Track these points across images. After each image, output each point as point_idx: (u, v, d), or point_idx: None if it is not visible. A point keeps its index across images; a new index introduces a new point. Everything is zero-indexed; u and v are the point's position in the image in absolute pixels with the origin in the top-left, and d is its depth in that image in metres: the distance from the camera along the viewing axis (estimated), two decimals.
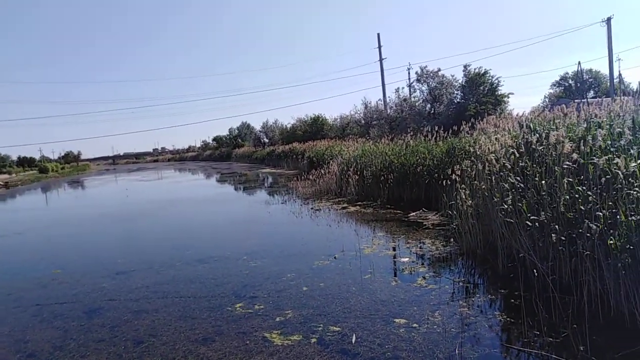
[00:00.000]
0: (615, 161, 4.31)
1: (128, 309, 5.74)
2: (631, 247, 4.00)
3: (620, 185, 4.29)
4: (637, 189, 4.17)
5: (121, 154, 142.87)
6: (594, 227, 4.11)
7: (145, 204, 18.69)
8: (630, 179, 4.26)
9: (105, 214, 16.39)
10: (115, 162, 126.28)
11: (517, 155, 6.17)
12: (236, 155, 63.55)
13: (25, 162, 74.85)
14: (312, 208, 13.39)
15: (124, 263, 8.14)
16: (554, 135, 5.38)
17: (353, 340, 4.33)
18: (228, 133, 76.96)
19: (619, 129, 5.33)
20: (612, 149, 5.04)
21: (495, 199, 6.28)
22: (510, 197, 5.75)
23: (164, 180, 37.24)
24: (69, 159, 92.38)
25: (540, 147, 5.81)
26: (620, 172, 4.22)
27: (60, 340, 4.90)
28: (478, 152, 7.75)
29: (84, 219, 15.63)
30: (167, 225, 13.04)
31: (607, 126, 5.74)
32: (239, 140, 70.75)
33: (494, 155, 6.68)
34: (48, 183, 45.17)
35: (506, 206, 5.76)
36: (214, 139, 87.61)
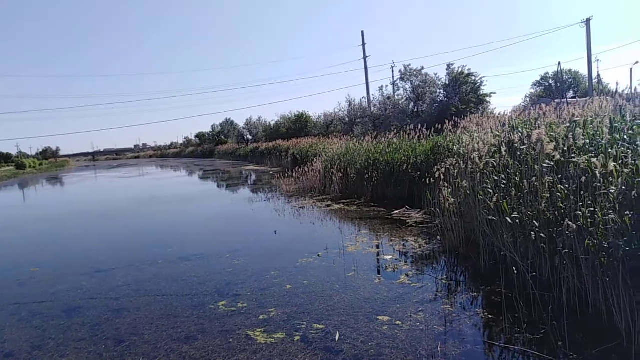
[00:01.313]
0: (592, 160, 4.38)
1: (108, 307, 5.66)
2: (607, 246, 4.07)
3: (598, 184, 4.37)
4: (613, 187, 4.25)
5: (101, 150, 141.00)
6: (573, 225, 4.18)
7: (126, 201, 18.43)
8: (610, 178, 4.33)
9: (84, 211, 16.11)
10: (96, 159, 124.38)
11: (502, 153, 6.23)
12: (219, 152, 63.03)
13: (1, 158, 73.18)
14: (295, 206, 13.36)
15: (104, 261, 8.01)
16: (535, 134, 5.45)
17: (337, 337, 4.34)
18: (211, 130, 76.39)
19: (598, 128, 5.43)
20: (591, 148, 5.13)
21: (478, 197, 6.35)
22: (493, 195, 5.82)
23: (146, 177, 36.79)
24: (48, 154, 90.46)
25: (523, 147, 5.88)
26: (597, 172, 4.28)
27: (38, 339, 4.80)
28: (461, 151, 7.82)
29: (62, 216, 15.35)
30: (148, 223, 12.88)
31: (590, 126, 5.84)
32: (222, 137, 70.19)
33: (477, 153, 6.75)
34: (25, 179, 44.23)
35: (489, 203, 5.82)
36: (197, 136, 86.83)
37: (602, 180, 4.35)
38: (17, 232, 12.81)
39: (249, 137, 57.31)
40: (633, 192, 3.94)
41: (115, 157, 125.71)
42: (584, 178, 4.61)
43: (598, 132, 5.36)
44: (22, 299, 6.22)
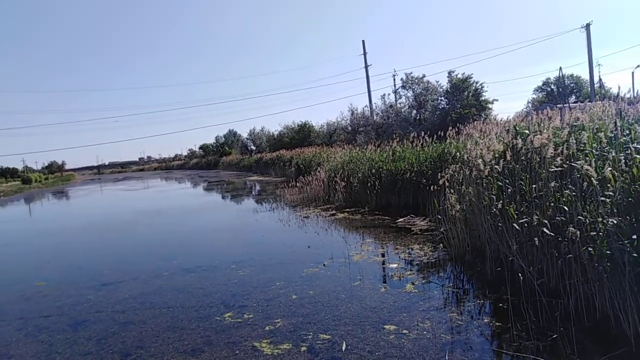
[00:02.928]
0: (585, 167, 4.33)
1: (115, 320, 5.66)
2: (610, 252, 4.04)
3: (597, 189, 4.34)
4: (611, 193, 4.21)
5: (106, 163, 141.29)
6: (576, 231, 4.16)
7: (131, 214, 18.49)
8: (609, 184, 4.31)
9: (89, 225, 16.17)
10: (101, 172, 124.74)
11: (508, 158, 6.21)
12: (223, 163, 63.18)
13: (7, 173, 73.39)
14: (300, 215, 13.36)
15: (109, 274, 8.03)
16: (537, 139, 5.44)
17: (343, 347, 4.32)
18: (215, 141, 76.58)
19: (601, 133, 5.40)
20: (595, 152, 5.10)
21: (484, 203, 6.33)
22: (498, 201, 5.80)
23: (150, 189, 36.92)
24: (53, 169, 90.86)
25: (526, 152, 5.87)
26: (592, 178, 4.25)
27: (45, 354, 4.80)
28: (466, 157, 7.81)
29: (68, 230, 15.41)
30: (153, 235, 12.91)
31: (589, 130, 5.82)
32: (226, 148, 70.35)
33: (481, 159, 6.74)
34: (32, 194, 44.43)
35: (494, 210, 5.80)
36: (201, 147, 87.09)
37: (598, 186, 4.32)
38: (23, 247, 12.84)
39: (253, 147, 57.47)
40: (629, 199, 3.92)
41: (120, 170, 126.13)
42: (586, 183, 4.59)
43: (598, 137, 5.34)
44: (28, 314, 6.23)
